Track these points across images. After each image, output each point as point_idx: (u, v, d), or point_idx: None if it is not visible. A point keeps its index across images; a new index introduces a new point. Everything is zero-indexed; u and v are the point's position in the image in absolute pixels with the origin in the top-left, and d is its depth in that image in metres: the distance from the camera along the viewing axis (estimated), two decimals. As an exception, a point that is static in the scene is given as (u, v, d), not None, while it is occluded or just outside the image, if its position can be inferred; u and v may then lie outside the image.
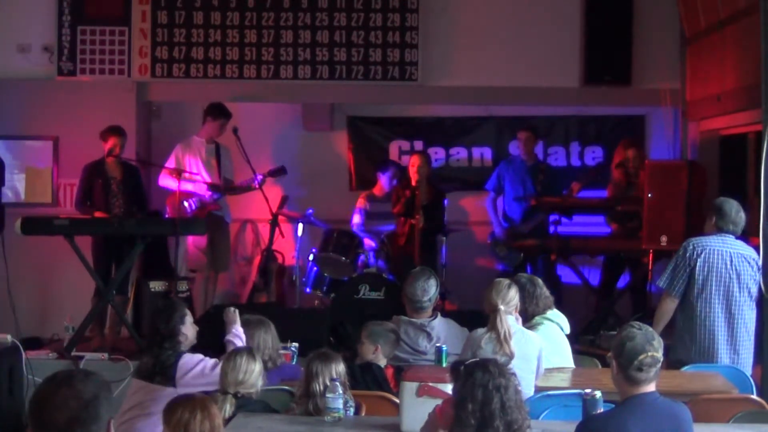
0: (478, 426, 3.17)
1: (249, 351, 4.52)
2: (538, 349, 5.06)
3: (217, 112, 8.40)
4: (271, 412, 4.50)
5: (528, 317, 5.49)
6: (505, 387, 3.23)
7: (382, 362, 5.21)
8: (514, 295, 5.10)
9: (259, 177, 8.21)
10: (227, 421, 4.15)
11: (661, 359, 3.65)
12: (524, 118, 9.48)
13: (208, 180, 8.29)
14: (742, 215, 5.96)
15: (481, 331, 5.02)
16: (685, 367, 5.72)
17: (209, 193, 8.24)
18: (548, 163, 9.37)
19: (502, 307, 4.97)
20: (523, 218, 8.76)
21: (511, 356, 4.82)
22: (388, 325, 5.45)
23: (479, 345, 4.90)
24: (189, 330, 4.98)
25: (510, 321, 4.99)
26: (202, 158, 8.36)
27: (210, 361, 4.73)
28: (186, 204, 8.11)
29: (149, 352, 4.92)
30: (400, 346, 5.52)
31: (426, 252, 8.29)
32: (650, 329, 3.70)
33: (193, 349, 5.01)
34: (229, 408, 4.27)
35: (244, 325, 5.16)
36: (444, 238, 8.54)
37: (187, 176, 8.13)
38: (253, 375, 4.37)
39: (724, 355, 5.88)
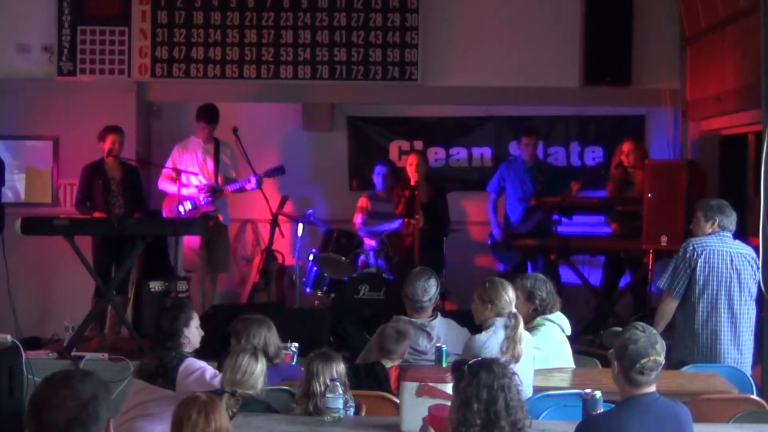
0: (483, 426, 3.18)
1: (253, 351, 4.49)
2: (533, 348, 5.08)
3: (200, 115, 8.36)
4: (271, 412, 4.49)
5: (534, 316, 5.51)
6: (508, 387, 3.24)
7: (395, 362, 5.19)
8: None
9: (254, 178, 8.19)
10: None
11: (663, 362, 3.65)
12: (524, 118, 9.48)
13: (204, 181, 8.28)
14: None
15: (481, 336, 5.00)
16: (686, 367, 5.73)
17: (203, 195, 8.22)
18: (548, 162, 9.37)
19: (514, 310, 5.00)
20: (522, 218, 8.74)
21: (518, 359, 4.82)
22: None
23: (482, 351, 4.87)
24: (193, 334, 4.91)
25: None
26: (199, 159, 8.35)
27: (210, 371, 4.69)
28: (181, 208, 8.08)
29: (152, 353, 4.88)
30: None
31: (430, 251, 8.26)
32: (654, 331, 3.69)
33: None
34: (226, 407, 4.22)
35: (243, 323, 5.14)
36: (444, 238, 8.53)
37: (183, 178, 8.10)
38: (252, 376, 4.33)
39: (727, 355, 5.89)
